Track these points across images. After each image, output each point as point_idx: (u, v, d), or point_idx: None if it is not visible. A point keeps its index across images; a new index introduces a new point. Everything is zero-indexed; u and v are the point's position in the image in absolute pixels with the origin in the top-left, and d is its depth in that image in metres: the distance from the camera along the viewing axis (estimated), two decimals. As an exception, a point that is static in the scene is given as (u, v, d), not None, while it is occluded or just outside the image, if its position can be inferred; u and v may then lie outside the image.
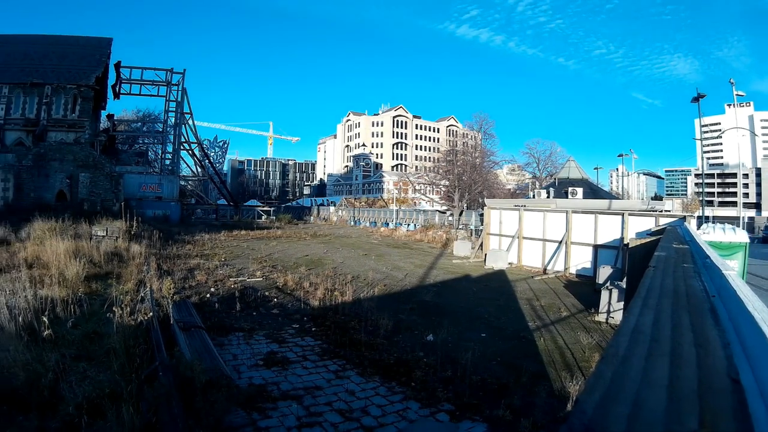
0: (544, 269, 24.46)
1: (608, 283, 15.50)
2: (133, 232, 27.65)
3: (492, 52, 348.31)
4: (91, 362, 8.33)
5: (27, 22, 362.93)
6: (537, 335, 12.21)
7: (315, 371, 9.05)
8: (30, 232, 23.53)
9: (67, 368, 7.67)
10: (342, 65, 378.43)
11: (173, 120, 69.22)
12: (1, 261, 17.21)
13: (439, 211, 57.74)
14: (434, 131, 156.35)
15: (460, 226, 45.27)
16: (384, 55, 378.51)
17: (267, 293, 16.41)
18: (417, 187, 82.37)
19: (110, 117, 76.54)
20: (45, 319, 9.04)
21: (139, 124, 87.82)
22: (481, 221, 34.24)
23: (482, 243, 28.93)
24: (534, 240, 25.60)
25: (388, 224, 58.96)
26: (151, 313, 10.42)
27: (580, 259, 23.46)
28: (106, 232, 24.99)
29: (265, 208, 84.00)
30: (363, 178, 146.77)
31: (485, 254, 26.83)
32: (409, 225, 54.70)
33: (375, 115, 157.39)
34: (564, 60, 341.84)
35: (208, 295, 15.67)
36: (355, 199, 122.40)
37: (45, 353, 7.87)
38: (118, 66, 67.21)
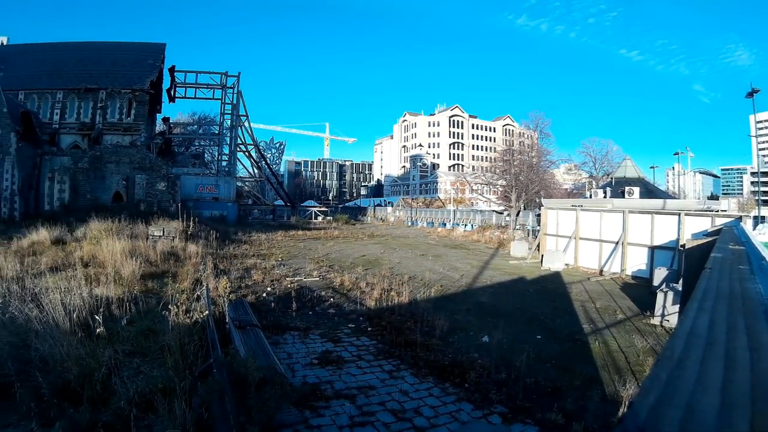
0: (601, 270, 24.02)
1: (664, 285, 15.26)
2: (189, 232, 28.25)
3: (550, 45, 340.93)
4: (145, 358, 8.52)
5: (80, 29, 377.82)
6: (591, 338, 12.05)
7: (369, 371, 9.15)
8: (86, 232, 24.43)
9: (120, 364, 7.89)
10: (398, 64, 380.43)
11: (229, 122, 71.06)
12: (57, 260, 17.88)
13: (495, 211, 57.47)
14: (490, 130, 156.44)
15: (517, 227, 44.99)
16: (440, 52, 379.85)
17: (323, 293, 16.54)
18: (474, 187, 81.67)
19: (166, 120, 79.24)
20: (99, 316, 9.18)
21: (195, 126, 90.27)
22: (538, 222, 34.43)
23: (539, 243, 28.78)
24: (590, 241, 25.27)
25: (445, 224, 59.29)
26: (206, 311, 10.52)
27: (637, 261, 23.13)
28: (163, 232, 25.62)
29: (322, 209, 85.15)
30: (420, 179, 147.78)
31: (542, 255, 26.57)
32: (466, 225, 54.87)
33: (431, 115, 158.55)
34: (626, 51, 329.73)
35: (264, 295, 15.91)
36: (413, 199, 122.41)
37: (99, 349, 8.09)
38: (172, 70, 69.85)
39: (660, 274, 18.62)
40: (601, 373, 9.37)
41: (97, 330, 8.93)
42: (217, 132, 75.97)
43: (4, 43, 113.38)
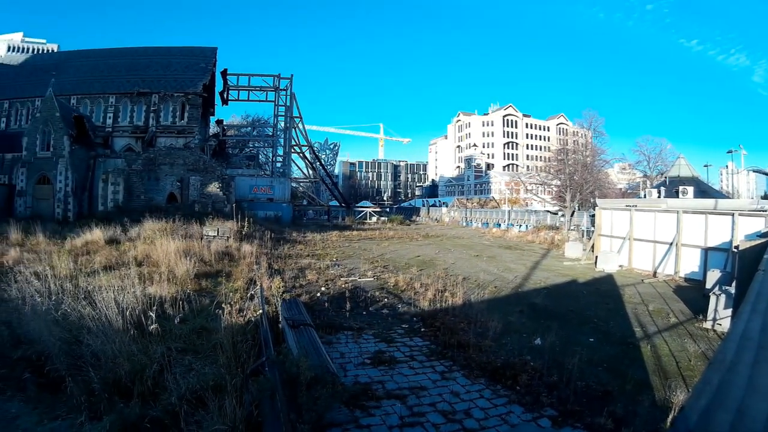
0: (654, 272, 23.44)
1: (716, 288, 14.80)
2: (244, 233, 28.79)
3: (607, 36, 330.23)
4: (197, 356, 8.62)
5: (130, 35, 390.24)
6: (644, 342, 11.84)
7: (421, 371, 9.21)
8: (140, 232, 25.18)
9: (172, 361, 8.00)
10: (451, 63, 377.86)
11: (283, 124, 72.34)
12: (111, 259, 18.46)
13: (550, 211, 57.49)
14: (544, 129, 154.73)
15: (572, 227, 44.87)
16: (492, 48, 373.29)
17: (377, 293, 16.58)
18: (528, 187, 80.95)
19: (219, 122, 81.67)
20: (152, 314, 9.33)
21: (249, 128, 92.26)
22: (592, 222, 34.79)
23: (593, 244, 28.40)
24: (644, 242, 24.82)
25: (500, 225, 59.36)
26: (260, 310, 10.62)
27: (690, 262, 22.66)
28: (217, 232, 26.11)
29: (377, 209, 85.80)
30: (474, 179, 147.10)
31: (596, 256, 26.21)
32: (520, 226, 55.12)
33: (485, 114, 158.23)
34: (686, 41, 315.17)
35: (318, 294, 16.04)
36: (467, 199, 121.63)
37: (151, 346, 8.23)
38: (224, 74, 71.67)
39: (713, 276, 18.13)
40: (651, 378, 9.29)
41: (150, 327, 9.06)
42: (271, 134, 77.52)
43: (55, 50, 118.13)
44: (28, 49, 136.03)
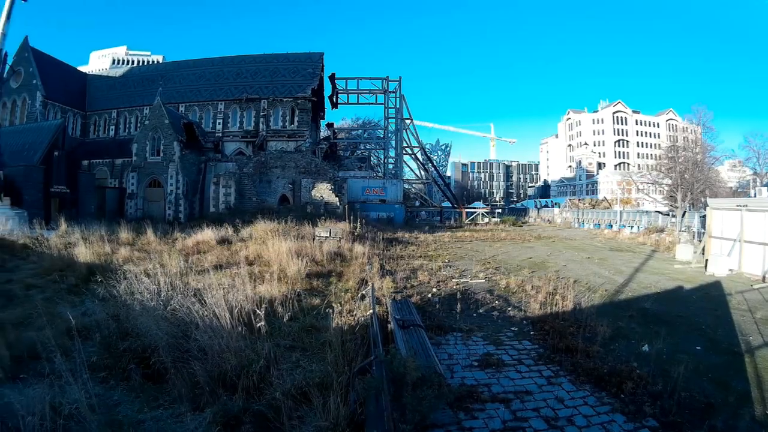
0: (764, 277, 21.87)
1: None
2: (356, 233, 29.15)
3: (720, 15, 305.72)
4: (305, 353, 8.80)
5: (234, 44, 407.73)
6: (749, 353, 11.15)
7: (528, 376, 9.24)
8: (251, 232, 26.01)
9: (279, 357, 8.17)
10: (558, 57, 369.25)
11: (393, 126, 73.48)
12: (222, 259, 19.26)
13: (660, 212, 55.94)
14: (654, 126, 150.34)
15: (683, 229, 43.18)
16: (598, 38, 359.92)
17: (488, 295, 16.56)
18: (640, 187, 77.75)
19: (330, 126, 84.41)
20: (261, 312, 9.49)
21: (360, 131, 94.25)
22: (702, 223, 34.55)
23: (704, 247, 27.04)
24: (755, 244, 23.32)
25: (611, 226, 58.77)
26: (370, 310, 10.63)
27: None
28: (329, 233, 26.59)
29: (489, 210, 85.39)
30: (586, 179, 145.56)
31: (706, 259, 25.03)
32: (632, 227, 54.37)
33: (594, 112, 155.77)
34: None
35: (429, 295, 16.13)
36: (579, 200, 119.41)
37: (259, 342, 8.40)
38: (333, 78, 73.87)
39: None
40: (753, 391, 8.91)
41: (258, 325, 9.22)
42: (381, 136, 79.25)
43: (159, 61, 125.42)
44: (132, 61, 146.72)
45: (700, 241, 30.55)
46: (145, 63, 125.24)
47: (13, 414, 5.44)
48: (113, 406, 6.68)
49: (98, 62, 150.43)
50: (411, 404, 6.35)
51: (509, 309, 14.56)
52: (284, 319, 10.71)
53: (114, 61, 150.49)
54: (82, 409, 5.67)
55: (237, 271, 14.53)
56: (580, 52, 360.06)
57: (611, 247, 35.80)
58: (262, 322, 9.32)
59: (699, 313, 14.90)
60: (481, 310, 14.35)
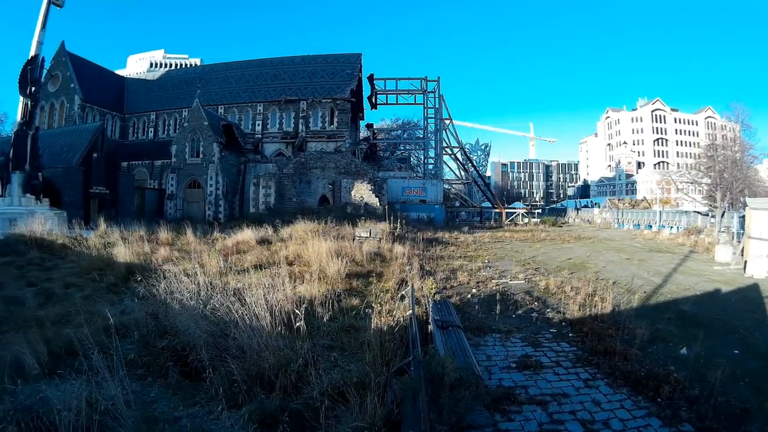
0: None
1: None
2: (396, 234, 29.15)
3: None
4: (343, 353, 8.84)
5: (273, 45, 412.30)
6: None
7: (565, 378, 9.29)
8: (291, 232, 26.17)
9: (318, 357, 8.18)
10: (596, 56, 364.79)
11: (433, 126, 73.89)
12: (262, 258, 19.39)
13: (699, 212, 55.39)
14: (692, 124, 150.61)
15: (722, 229, 42.40)
16: (638, 33, 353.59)
17: (528, 296, 16.59)
18: (679, 187, 76.50)
19: (369, 126, 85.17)
20: (300, 311, 9.51)
21: (399, 131, 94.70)
22: (742, 224, 34.18)
23: (743, 248, 26.41)
24: None
25: (651, 226, 58.27)
26: (409, 311, 10.63)
27: None
28: (369, 233, 26.64)
29: (529, 211, 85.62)
30: (626, 178, 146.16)
31: (745, 261, 24.53)
32: (671, 227, 53.97)
33: (633, 110, 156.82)
34: None
35: (469, 296, 16.21)
36: (619, 200, 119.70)
37: (298, 342, 8.45)
38: (371, 78, 74.65)
39: None
40: None
41: (297, 324, 9.25)
42: (421, 136, 79.69)
43: (197, 64, 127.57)
44: (170, 64, 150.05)
45: (739, 242, 30.24)
46: (183, 66, 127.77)
47: (50, 409, 5.54)
48: (150, 403, 6.80)
49: (136, 66, 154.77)
50: (448, 405, 6.36)
51: (548, 310, 14.58)
52: (323, 319, 10.73)
53: (151, 64, 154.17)
54: (118, 405, 5.77)
55: (277, 270, 14.57)
56: (619, 47, 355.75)
57: (650, 248, 35.52)
58: (302, 322, 9.35)
59: (737, 315, 14.80)
60: (520, 311, 14.40)
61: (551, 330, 12.45)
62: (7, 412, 5.51)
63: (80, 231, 28.84)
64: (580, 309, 14.16)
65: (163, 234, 25.85)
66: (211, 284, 11.64)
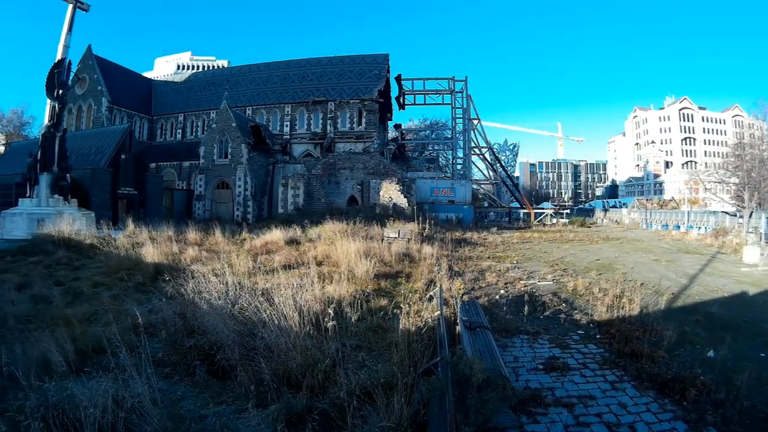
0: None
1: None
2: (425, 234, 29.19)
3: None
4: (371, 353, 8.81)
5: (300, 46, 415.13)
6: None
7: (592, 380, 9.32)
8: (320, 233, 26.28)
9: (345, 357, 8.16)
10: (623, 53, 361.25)
11: (461, 126, 74.15)
12: (291, 259, 19.55)
13: (727, 213, 54.73)
14: (720, 123, 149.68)
15: (750, 230, 41.84)
16: (664, 29, 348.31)
17: (556, 297, 16.59)
18: (707, 186, 75.52)
19: (398, 127, 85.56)
20: (330, 311, 9.52)
21: (427, 131, 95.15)
22: None
23: None
24: None
25: (679, 227, 57.92)
26: (437, 311, 10.64)
27: None
28: (398, 233, 26.78)
29: (557, 211, 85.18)
30: (654, 178, 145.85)
31: None
32: (699, 228, 53.64)
33: (660, 109, 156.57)
34: None
35: (497, 297, 16.16)
36: (647, 200, 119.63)
37: (326, 342, 8.54)
38: (399, 79, 75.42)
39: None
40: None
41: (326, 324, 9.27)
42: (449, 136, 79.97)
43: (225, 66, 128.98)
44: (197, 66, 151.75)
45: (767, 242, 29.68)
46: (210, 68, 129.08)
47: (76, 406, 5.60)
48: (176, 401, 6.86)
49: (163, 68, 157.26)
50: (474, 406, 6.38)
51: (576, 312, 14.57)
52: (352, 319, 10.77)
53: (178, 66, 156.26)
54: (144, 403, 5.82)
55: (305, 271, 14.70)
56: (645, 44, 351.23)
57: (678, 249, 35.25)
58: (331, 322, 9.37)
59: (764, 318, 14.68)
60: (547, 312, 14.44)
61: (579, 331, 12.46)
62: (33, 409, 5.57)
63: (108, 231, 29.33)
64: (607, 310, 14.13)
65: (192, 234, 26.17)
66: (239, 284, 11.75)
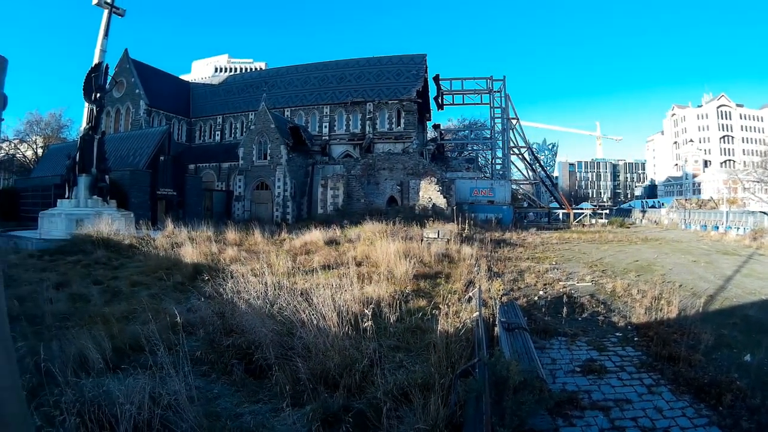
0: None
1: None
2: (464, 235, 29.13)
3: None
4: (409, 354, 8.88)
5: (337, 47, 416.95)
6: None
7: (629, 383, 9.22)
8: (359, 233, 26.46)
9: (383, 357, 8.24)
10: (662, 50, 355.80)
11: (500, 126, 73.96)
12: (330, 259, 19.68)
13: (765, 213, 54.08)
14: (758, 120, 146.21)
15: None
16: (700, 25, 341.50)
17: (594, 298, 16.42)
18: (746, 185, 73.69)
19: (437, 127, 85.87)
20: (368, 311, 9.55)
21: (466, 131, 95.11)
22: None
23: None
24: None
25: (717, 227, 56.71)
26: (476, 312, 10.60)
27: None
28: (438, 234, 26.71)
29: (596, 211, 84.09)
30: (692, 177, 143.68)
31: None
32: (738, 228, 52.74)
33: (698, 107, 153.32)
34: None
35: (535, 298, 16.07)
36: (686, 200, 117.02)
37: (364, 342, 8.57)
38: (437, 79, 75.19)
39: None
40: None
41: (364, 324, 9.29)
42: (488, 136, 79.87)
43: (262, 68, 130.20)
44: (234, 69, 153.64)
45: (804, 243, 28.95)
46: (247, 70, 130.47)
47: (112, 402, 5.73)
48: (213, 399, 6.98)
49: (200, 71, 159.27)
50: (511, 408, 6.35)
51: (614, 314, 14.44)
52: (390, 320, 10.80)
53: (216, 69, 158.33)
54: (180, 400, 5.91)
55: (345, 271, 14.79)
56: (681, 39, 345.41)
57: (717, 250, 34.53)
58: (369, 322, 9.39)
59: None
60: (586, 314, 14.30)
61: (617, 334, 12.36)
62: (69, 404, 5.65)
63: (147, 231, 29.85)
64: (645, 312, 13.98)
65: (231, 234, 26.46)
66: (278, 284, 11.85)
